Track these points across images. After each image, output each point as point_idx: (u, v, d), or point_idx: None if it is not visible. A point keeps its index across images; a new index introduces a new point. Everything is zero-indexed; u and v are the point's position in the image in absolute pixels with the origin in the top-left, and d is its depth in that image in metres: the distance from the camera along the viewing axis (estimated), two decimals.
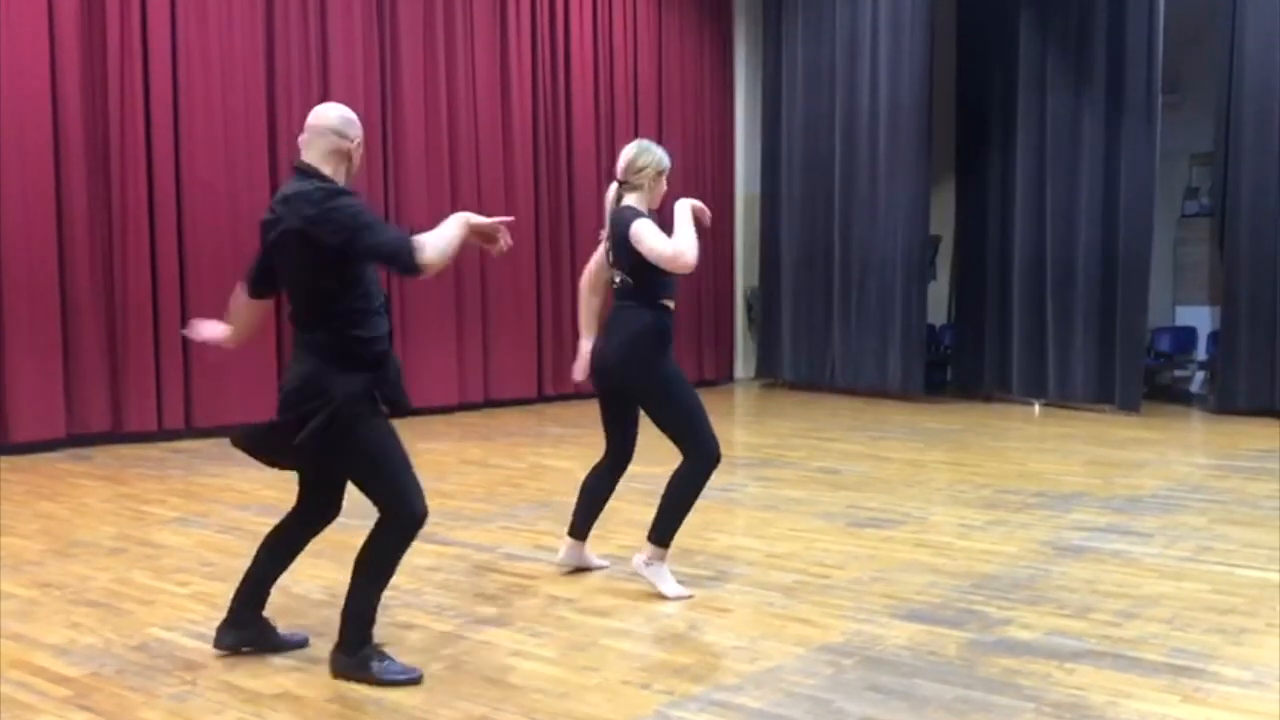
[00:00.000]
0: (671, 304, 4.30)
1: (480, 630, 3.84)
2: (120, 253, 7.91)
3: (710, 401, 12.07)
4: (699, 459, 4.20)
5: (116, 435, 7.89)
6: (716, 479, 6.71)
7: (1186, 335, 10.94)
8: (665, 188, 4.29)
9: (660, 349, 4.22)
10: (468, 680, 3.36)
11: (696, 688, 3.29)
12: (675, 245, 4.04)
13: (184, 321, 8.14)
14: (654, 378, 4.20)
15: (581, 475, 4.59)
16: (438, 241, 3.23)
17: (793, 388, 11.77)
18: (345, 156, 3.39)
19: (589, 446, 4.05)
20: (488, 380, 10.08)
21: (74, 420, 7.73)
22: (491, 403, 10.04)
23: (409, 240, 3.22)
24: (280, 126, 8.58)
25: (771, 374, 12.12)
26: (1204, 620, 3.89)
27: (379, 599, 3.40)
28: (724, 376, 12.51)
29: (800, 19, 11.68)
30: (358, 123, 3.45)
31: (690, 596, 4.20)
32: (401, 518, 3.31)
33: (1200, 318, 10.92)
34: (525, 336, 10.34)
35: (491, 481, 6.62)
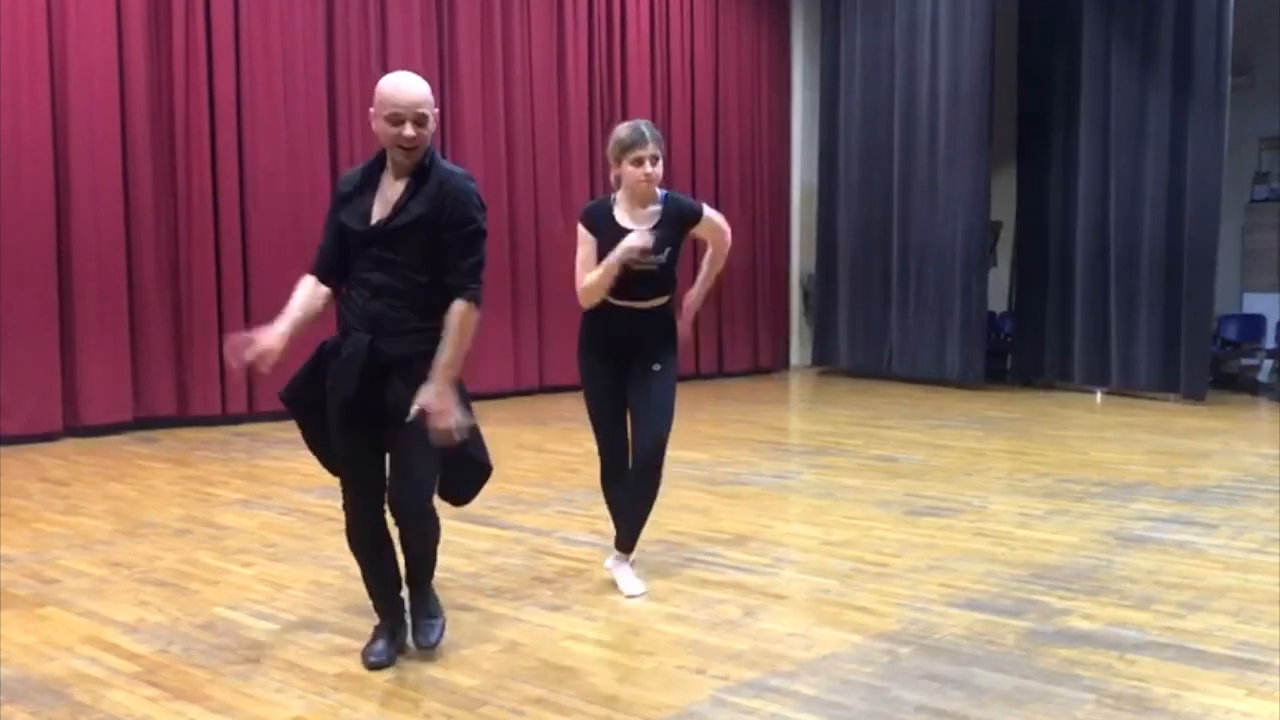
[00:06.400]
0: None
1: (537, 613, 3.87)
2: (185, 241, 8.07)
3: (766, 389, 12.06)
4: None
5: (182, 419, 8.06)
6: (771, 466, 6.75)
7: (1255, 323, 10.72)
8: (637, 170, 3.87)
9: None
10: (524, 663, 3.39)
11: (751, 674, 3.29)
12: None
13: (248, 308, 8.36)
14: None
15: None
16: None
17: (849, 376, 11.69)
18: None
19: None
20: (542, 366, 10.14)
21: (141, 404, 7.90)
22: (546, 388, 10.10)
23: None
24: (340, 115, 8.70)
25: (828, 362, 12.05)
26: (1271, 614, 3.82)
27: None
28: (780, 364, 12.46)
29: (859, 4, 11.57)
30: (377, 89, 3.22)
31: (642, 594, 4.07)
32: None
33: (1269, 305, 10.68)
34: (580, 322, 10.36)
35: (548, 466, 6.66)
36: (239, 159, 8.24)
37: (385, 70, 9.01)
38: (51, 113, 7.45)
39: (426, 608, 3.46)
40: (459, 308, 3.19)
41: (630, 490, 4.11)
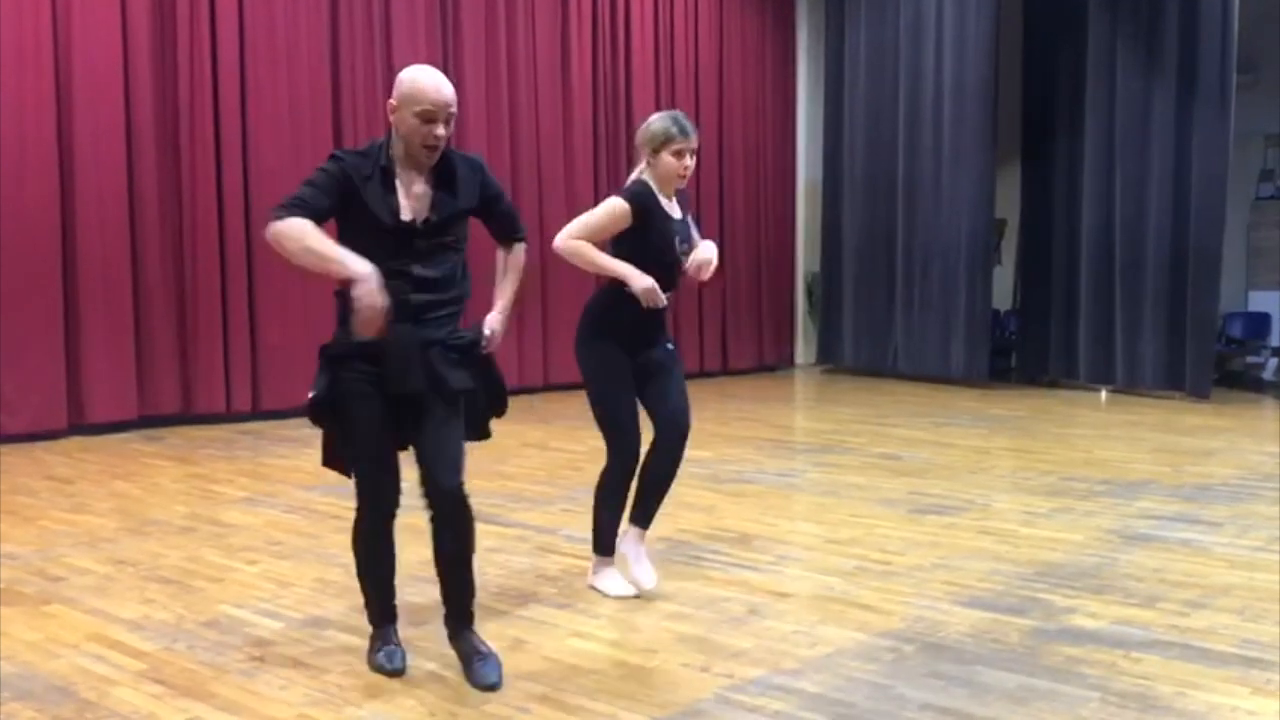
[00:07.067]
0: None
1: (541, 611, 3.87)
2: (190, 239, 8.08)
3: (770, 387, 12.05)
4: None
5: (186, 417, 8.06)
6: (776, 464, 6.74)
7: (1259, 321, 10.71)
8: (677, 162, 3.88)
9: None
10: (528, 661, 3.39)
11: (756, 671, 3.29)
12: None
13: (252, 307, 8.38)
14: None
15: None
16: (297, 236, 2.98)
17: (854, 374, 11.69)
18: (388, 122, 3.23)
19: (644, 429, 4.05)
20: (547, 364, 10.15)
21: (146, 402, 7.91)
22: (551, 386, 10.10)
23: (278, 207, 3.06)
24: (344, 115, 8.69)
25: (832, 360, 12.05)
26: (1275, 612, 3.81)
27: (362, 581, 3.39)
28: (784, 362, 12.46)
29: (864, 2, 11.56)
30: (400, 81, 3.14)
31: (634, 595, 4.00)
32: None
33: (1273, 303, 10.67)
34: None
35: (552, 464, 6.67)
36: (243, 158, 8.25)
37: (391, 71, 9.09)
38: (56, 111, 7.46)
39: (475, 643, 3.27)
40: (521, 250, 3.51)
41: (666, 462, 4.00)
